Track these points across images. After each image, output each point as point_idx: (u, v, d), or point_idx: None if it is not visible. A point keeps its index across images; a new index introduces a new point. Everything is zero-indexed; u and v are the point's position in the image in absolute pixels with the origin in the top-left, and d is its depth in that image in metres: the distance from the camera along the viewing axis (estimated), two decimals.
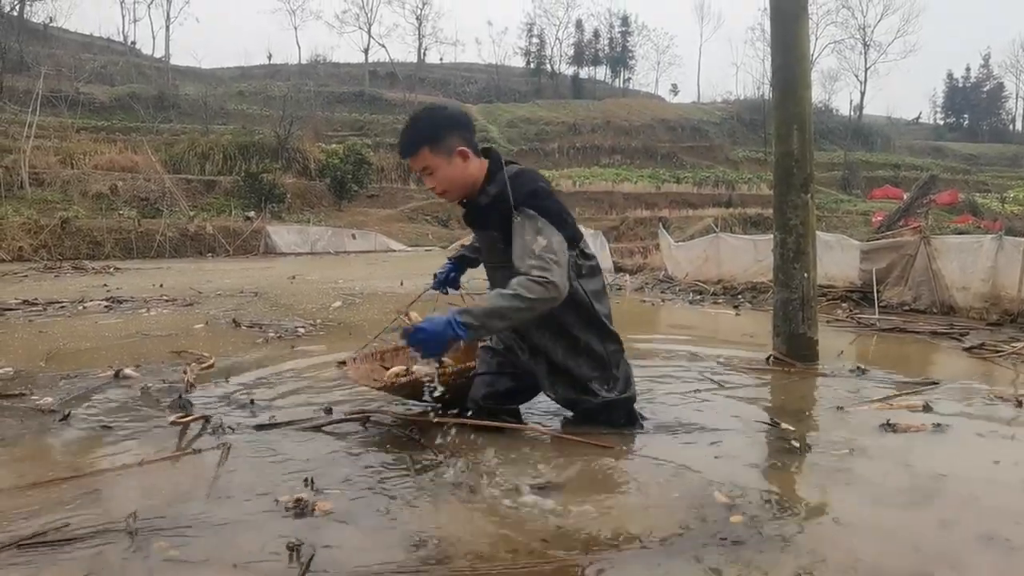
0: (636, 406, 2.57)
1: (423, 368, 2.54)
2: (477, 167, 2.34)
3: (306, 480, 1.99)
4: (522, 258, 2.15)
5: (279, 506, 1.83)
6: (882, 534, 1.69)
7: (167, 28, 54.20)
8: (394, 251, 24.48)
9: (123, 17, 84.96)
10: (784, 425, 2.64)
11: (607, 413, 2.44)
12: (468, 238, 2.83)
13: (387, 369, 2.78)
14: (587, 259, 2.40)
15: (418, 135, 2.30)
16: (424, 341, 2.10)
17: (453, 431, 2.37)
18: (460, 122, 2.36)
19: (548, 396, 2.51)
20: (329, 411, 2.77)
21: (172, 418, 2.67)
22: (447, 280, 2.77)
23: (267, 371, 3.78)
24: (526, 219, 2.20)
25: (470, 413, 2.51)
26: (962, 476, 2.13)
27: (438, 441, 2.34)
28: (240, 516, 1.78)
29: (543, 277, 2.10)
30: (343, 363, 2.88)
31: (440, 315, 2.11)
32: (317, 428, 2.57)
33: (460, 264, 2.78)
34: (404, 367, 2.68)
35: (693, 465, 2.15)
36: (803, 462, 2.27)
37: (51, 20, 49.68)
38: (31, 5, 45.67)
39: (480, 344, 2.68)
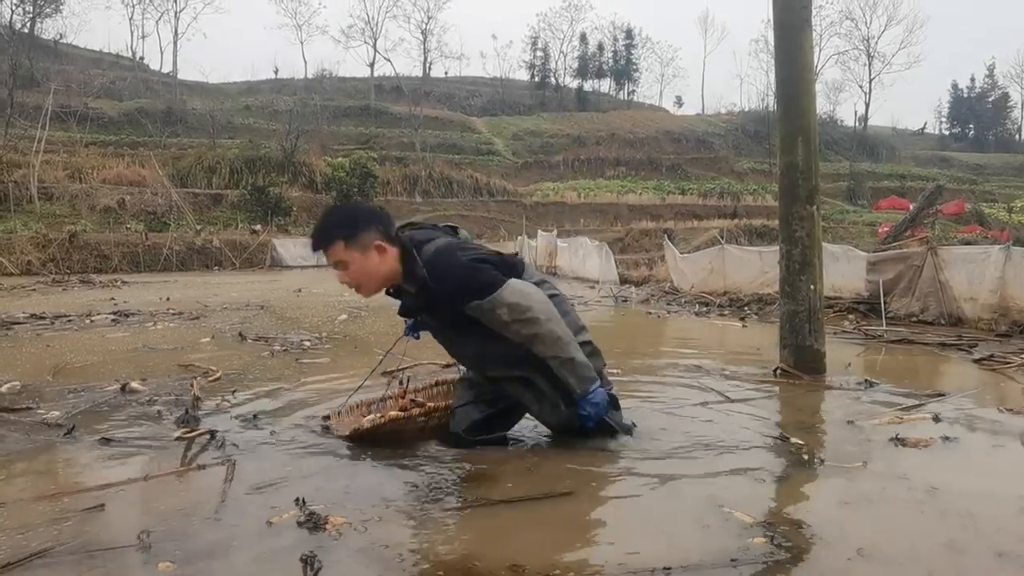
0: (641, 421, 2.56)
1: (395, 413, 2.53)
2: (394, 258, 2.31)
3: (297, 500, 1.96)
4: (511, 335, 2.27)
5: (285, 521, 1.82)
6: (896, 556, 1.67)
7: (175, 44, 54.75)
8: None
9: (132, 33, 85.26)
10: (793, 440, 2.62)
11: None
12: None
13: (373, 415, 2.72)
14: (538, 286, 2.40)
15: (333, 228, 2.28)
16: (598, 412, 2.32)
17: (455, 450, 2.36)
18: (377, 216, 2.34)
19: (541, 421, 2.54)
20: (326, 423, 2.76)
21: (178, 433, 2.67)
22: (417, 325, 2.64)
23: (273, 384, 3.78)
24: (479, 312, 2.25)
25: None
26: (972, 491, 2.10)
27: (437, 452, 2.33)
28: (247, 532, 1.77)
29: (533, 330, 2.23)
30: (327, 417, 2.81)
31: (586, 407, 2.29)
32: (321, 441, 2.56)
33: None
34: (380, 415, 2.59)
35: (705, 480, 2.14)
36: (815, 478, 2.25)
37: (61, 36, 50.38)
38: (42, 22, 46.27)
39: (459, 379, 2.75)
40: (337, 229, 2.27)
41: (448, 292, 2.24)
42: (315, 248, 2.32)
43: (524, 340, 2.25)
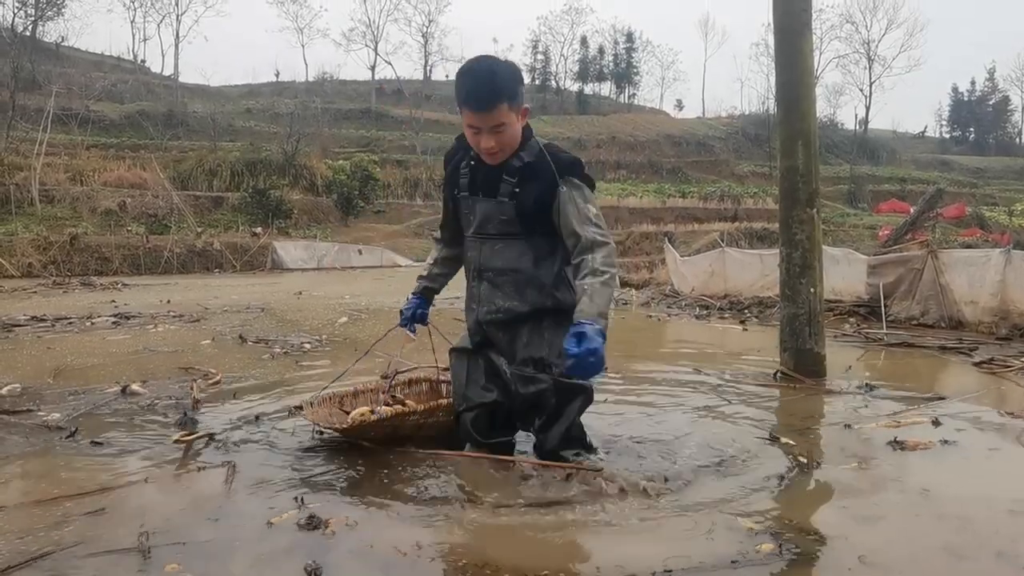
0: (642, 425, 2.52)
1: (387, 409, 2.51)
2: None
3: (296, 498, 1.98)
4: (583, 224, 2.16)
5: (285, 522, 1.82)
6: (897, 561, 1.67)
7: (176, 47, 54.89)
8: (400, 266, 24.52)
9: (133, 36, 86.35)
10: (785, 440, 2.62)
11: (564, 398, 2.26)
12: (424, 267, 2.67)
13: (346, 413, 2.69)
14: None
15: (502, 88, 2.09)
16: (595, 364, 1.94)
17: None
18: (523, 78, 2.24)
19: (513, 378, 2.31)
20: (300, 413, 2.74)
21: (176, 436, 2.67)
22: (414, 317, 2.62)
23: (273, 387, 3.78)
24: (573, 188, 2.20)
25: (468, 447, 2.43)
26: (972, 494, 2.11)
27: (437, 455, 2.33)
28: (247, 534, 1.78)
29: (607, 240, 2.16)
30: (299, 407, 2.75)
31: (591, 334, 1.94)
32: (322, 444, 2.57)
33: (425, 298, 2.65)
34: (369, 408, 2.58)
35: (706, 484, 2.14)
36: (815, 482, 2.25)
37: (63, 39, 50.38)
38: (43, 25, 46.32)
39: (451, 349, 2.55)
40: (506, 88, 2.10)
41: (561, 165, 2.21)
42: (480, 106, 2.09)
43: (586, 246, 2.14)
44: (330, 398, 2.82)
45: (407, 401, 2.76)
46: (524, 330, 2.28)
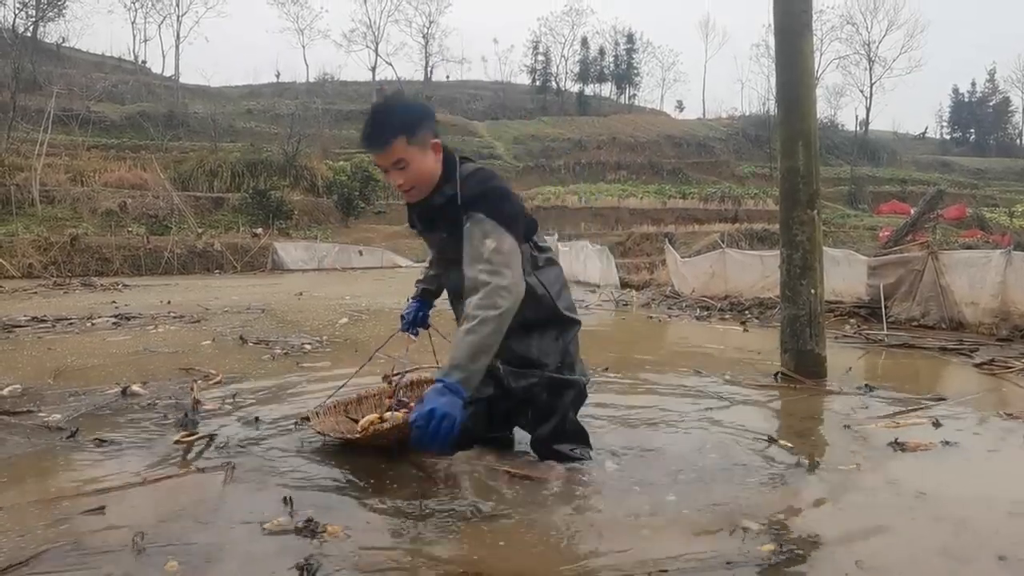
0: (641, 426, 2.52)
1: (399, 415, 2.50)
2: (439, 163, 2.17)
3: (286, 500, 1.97)
4: (472, 264, 2.04)
5: (281, 526, 1.82)
6: (895, 564, 1.67)
7: (177, 47, 55.14)
8: (401, 267, 24.52)
9: (134, 37, 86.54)
10: (784, 441, 2.62)
11: (555, 393, 2.26)
12: (421, 271, 2.70)
13: (353, 420, 2.69)
14: (542, 251, 2.32)
15: (394, 124, 2.07)
16: (440, 428, 1.80)
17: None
18: (430, 113, 2.20)
19: (505, 373, 2.29)
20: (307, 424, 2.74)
21: (177, 436, 2.67)
22: (415, 320, 2.64)
23: (273, 388, 3.78)
24: (474, 224, 2.07)
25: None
26: (972, 495, 2.10)
27: (436, 459, 2.33)
28: (244, 537, 1.78)
29: (490, 280, 1.98)
30: (306, 419, 2.74)
31: (430, 394, 1.86)
32: (321, 445, 2.56)
33: (425, 301, 2.67)
34: (377, 415, 2.57)
35: (707, 486, 2.14)
36: (815, 483, 2.25)
37: (64, 40, 50.44)
38: (44, 26, 46.38)
39: None
40: (400, 124, 2.07)
41: (466, 199, 2.10)
42: (375, 146, 2.09)
43: (470, 288, 2.03)
44: (335, 406, 2.82)
45: (412, 404, 2.76)
46: (512, 337, 2.21)
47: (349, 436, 2.48)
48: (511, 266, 2.02)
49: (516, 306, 2.00)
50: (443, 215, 2.18)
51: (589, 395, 2.51)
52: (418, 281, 2.69)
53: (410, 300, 2.68)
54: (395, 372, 3.15)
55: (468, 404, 1.95)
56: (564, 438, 2.32)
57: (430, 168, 2.14)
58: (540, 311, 2.22)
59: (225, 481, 2.20)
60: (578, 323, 2.36)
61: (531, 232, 2.28)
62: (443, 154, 2.19)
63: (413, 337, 2.70)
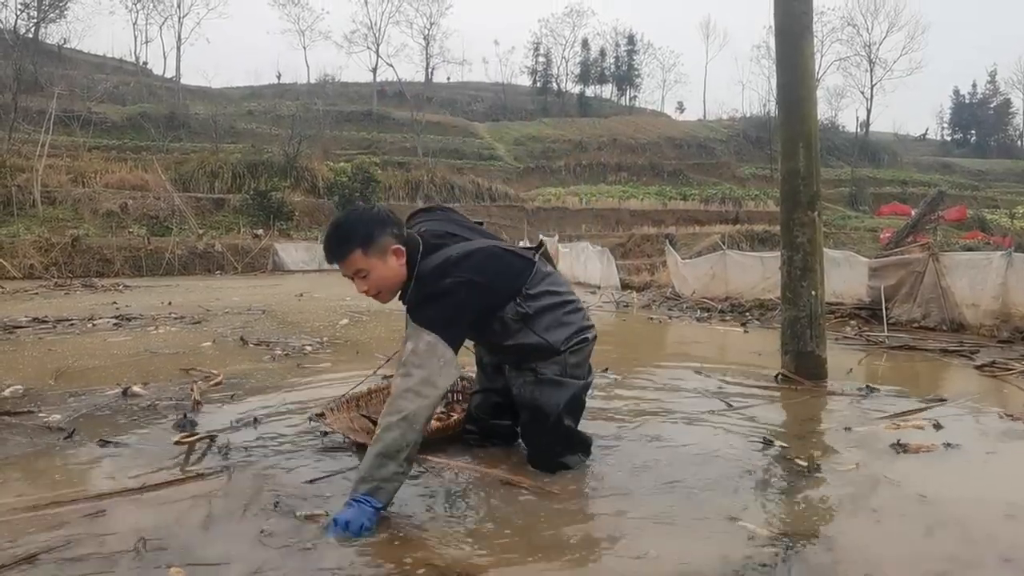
0: (642, 428, 2.52)
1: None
2: (403, 267, 2.21)
3: (275, 503, 1.97)
4: (399, 367, 2.10)
5: (280, 528, 1.82)
6: (899, 565, 1.67)
7: (178, 49, 55.02)
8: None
9: (135, 38, 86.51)
10: (785, 444, 2.62)
11: (550, 392, 2.30)
12: None
13: (365, 417, 2.74)
14: (533, 299, 2.30)
15: (349, 237, 2.15)
16: (350, 532, 1.80)
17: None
18: (389, 219, 2.22)
19: (510, 372, 2.42)
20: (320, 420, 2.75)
21: (177, 438, 2.67)
22: None
23: (274, 389, 3.78)
24: (409, 324, 2.14)
25: (467, 426, 2.63)
26: (975, 497, 2.10)
27: (439, 464, 2.33)
28: (242, 539, 1.77)
29: (401, 386, 2.02)
30: (321, 415, 2.76)
31: (342, 509, 1.88)
32: (322, 446, 2.57)
33: None
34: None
35: (708, 489, 2.14)
36: (815, 486, 2.24)
37: (65, 41, 50.45)
38: (46, 27, 46.43)
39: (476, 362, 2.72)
40: (354, 237, 2.15)
41: (409, 303, 2.18)
42: (331, 260, 2.21)
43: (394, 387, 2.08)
44: (347, 402, 2.86)
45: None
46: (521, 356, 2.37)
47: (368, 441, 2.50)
48: (424, 365, 2.03)
49: (433, 398, 2.03)
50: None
51: (590, 397, 2.52)
52: None
53: None
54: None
55: (384, 508, 1.92)
56: (559, 441, 2.35)
57: (392, 274, 2.20)
58: (544, 354, 2.31)
59: (224, 483, 2.20)
60: (585, 342, 2.38)
61: (514, 291, 2.28)
62: (409, 248, 2.22)
63: None
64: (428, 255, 2.21)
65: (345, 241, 2.16)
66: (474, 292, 2.18)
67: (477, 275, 2.19)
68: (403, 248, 2.20)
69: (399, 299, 2.27)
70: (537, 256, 2.42)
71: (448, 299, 2.14)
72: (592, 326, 2.44)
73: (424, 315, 2.12)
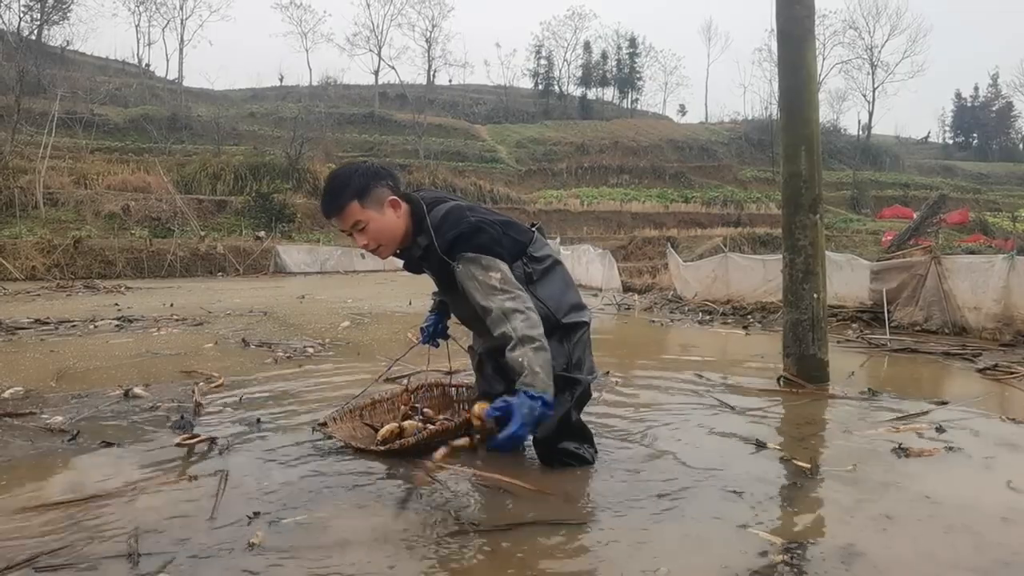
0: (643, 431, 2.52)
1: (415, 423, 2.53)
2: (406, 215, 2.25)
3: (255, 512, 1.95)
4: (488, 297, 2.10)
5: (279, 530, 1.82)
6: (904, 567, 1.66)
7: (181, 51, 55.09)
8: (403, 270, 24.47)
9: (138, 40, 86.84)
10: (787, 447, 2.62)
11: (559, 390, 2.20)
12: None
13: (369, 426, 2.73)
14: (538, 262, 2.33)
15: (343, 189, 2.17)
16: (519, 434, 1.93)
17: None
18: (383, 172, 2.26)
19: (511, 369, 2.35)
20: (324, 430, 2.74)
21: (178, 439, 2.67)
22: (435, 332, 2.68)
23: (275, 391, 3.78)
24: (468, 263, 2.14)
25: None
26: (978, 501, 2.09)
27: (442, 470, 2.32)
28: (240, 542, 1.77)
29: (518, 307, 2.07)
30: (324, 424, 2.76)
31: (514, 404, 1.95)
32: (322, 449, 2.56)
33: (443, 312, 2.69)
34: (396, 424, 2.59)
35: (708, 494, 2.13)
36: (816, 489, 2.24)
37: (68, 43, 50.63)
38: (49, 29, 46.60)
39: (469, 347, 2.70)
40: (349, 188, 2.15)
41: (444, 245, 2.17)
42: (329, 213, 2.20)
43: (499, 318, 2.10)
44: (351, 411, 2.84)
45: (425, 409, 2.79)
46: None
47: (373, 448, 2.49)
48: (520, 288, 2.14)
49: (532, 313, 2.10)
50: (427, 262, 2.29)
51: (592, 401, 2.51)
52: (434, 293, 2.71)
53: (428, 314, 2.73)
54: (409, 383, 3.17)
55: (479, 398, 2.08)
56: (568, 436, 2.34)
57: (391, 225, 2.22)
58: (544, 324, 2.23)
59: (224, 485, 2.19)
60: (584, 324, 2.37)
61: (521, 248, 2.31)
62: (410, 205, 2.26)
63: (434, 348, 2.73)
64: (433, 208, 2.25)
65: (341, 193, 2.17)
66: (497, 229, 2.23)
67: (491, 217, 2.27)
68: (400, 200, 2.22)
69: (400, 258, 2.34)
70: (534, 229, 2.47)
71: (486, 229, 2.19)
72: (587, 308, 2.45)
73: (481, 244, 2.15)
